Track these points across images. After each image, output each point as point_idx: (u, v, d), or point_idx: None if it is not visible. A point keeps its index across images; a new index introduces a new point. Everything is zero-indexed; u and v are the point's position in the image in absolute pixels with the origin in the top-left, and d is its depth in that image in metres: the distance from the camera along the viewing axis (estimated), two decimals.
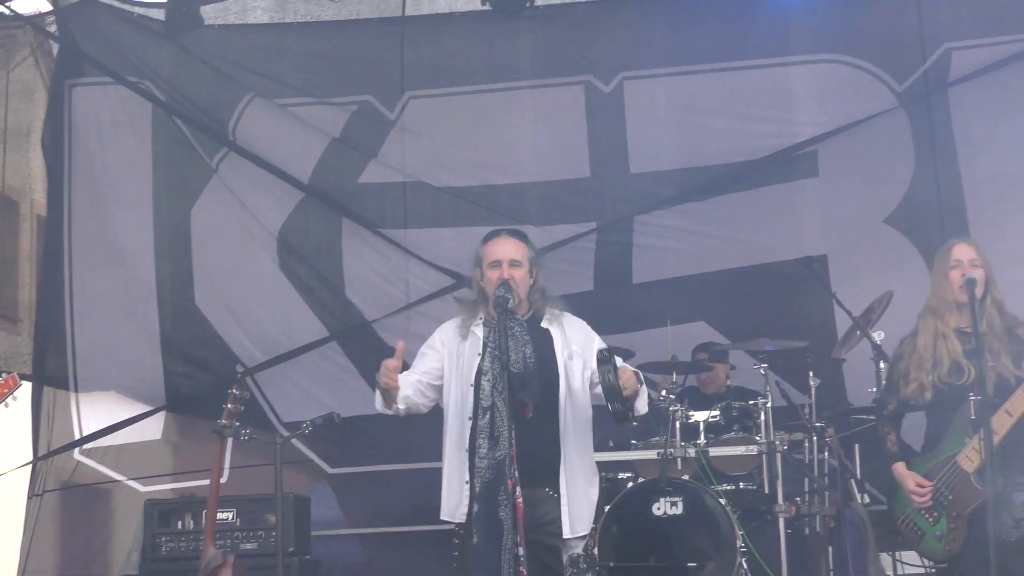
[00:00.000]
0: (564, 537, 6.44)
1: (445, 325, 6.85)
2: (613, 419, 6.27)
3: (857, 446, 9.22)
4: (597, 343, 6.65)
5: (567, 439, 6.50)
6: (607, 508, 8.37)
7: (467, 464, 6.41)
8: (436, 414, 6.84)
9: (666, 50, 10.77)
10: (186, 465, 10.77)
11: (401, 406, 6.56)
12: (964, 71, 10.28)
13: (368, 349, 10.73)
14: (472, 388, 6.47)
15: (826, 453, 9.01)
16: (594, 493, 6.68)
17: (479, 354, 6.48)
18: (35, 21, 11.43)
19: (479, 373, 6.41)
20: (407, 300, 10.70)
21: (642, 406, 6.54)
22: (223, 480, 8.53)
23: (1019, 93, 10.24)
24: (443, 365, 6.68)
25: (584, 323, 6.77)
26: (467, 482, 6.40)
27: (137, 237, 11.08)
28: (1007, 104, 10.28)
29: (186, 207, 11.11)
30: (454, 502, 6.51)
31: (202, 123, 11.05)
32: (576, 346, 6.61)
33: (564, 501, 6.45)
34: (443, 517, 6.58)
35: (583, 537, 6.50)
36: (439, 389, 6.70)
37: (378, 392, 6.54)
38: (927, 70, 10.35)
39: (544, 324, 6.63)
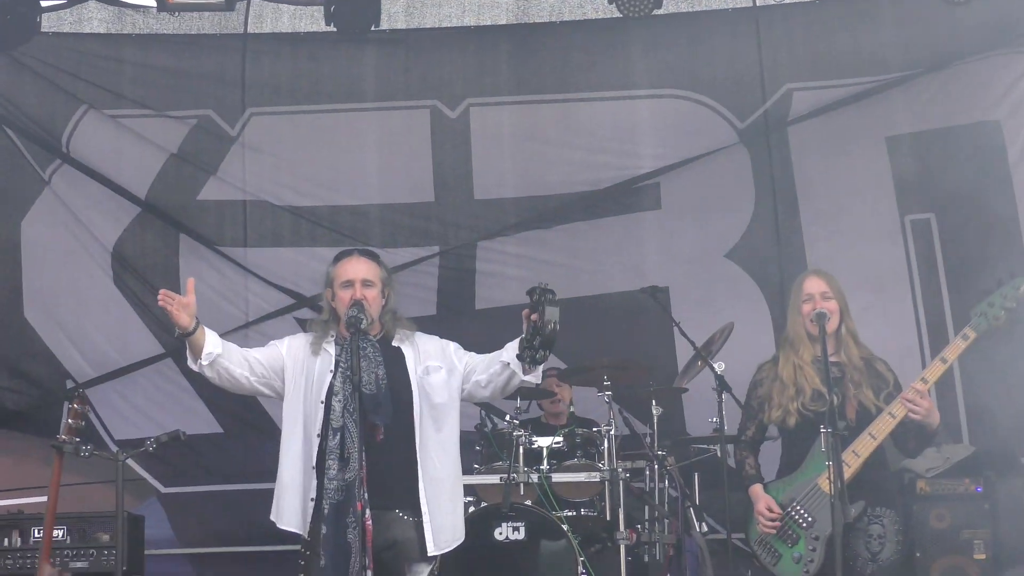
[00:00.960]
0: (429, 554, 6.39)
1: (296, 337, 6.74)
2: (528, 360, 6.17)
3: (697, 475, 9.33)
4: (453, 348, 6.64)
5: (428, 457, 6.44)
6: None
7: (314, 482, 6.34)
8: (276, 436, 6.74)
9: (512, 78, 10.82)
10: (8, 481, 10.41)
11: (205, 362, 6.46)
12: (803, 111, 10.51)
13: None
14: (323, 405, 6.38)
15: (667, 482, 9.11)
16: (460, 508, 6.65)
17: (331, 371, 6.41)
18: None
19: (331, 392, 6.34)
20: (246, 319, 10.58)
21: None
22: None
23: (854, 133, 10.53)
24: (283, 367, 6.57)
25: (435, 337, 6.73)
26: (312, 499, 6.33)
27: None
28: (842, 143, 10.55)
29: (16, 218, 10.83)
30: (301, 518, 6.40)
31: (34, 134, 10.76)
32: (434, 360, 6.56)
33: (427, 520, 6.39)
34: (286, 527, 6.44)
35: (430, 561, 6.45)
36: (268, 380, 6.59)
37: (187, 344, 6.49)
38: (768, 109, 10.56)
39: (396, 343, 6.57)
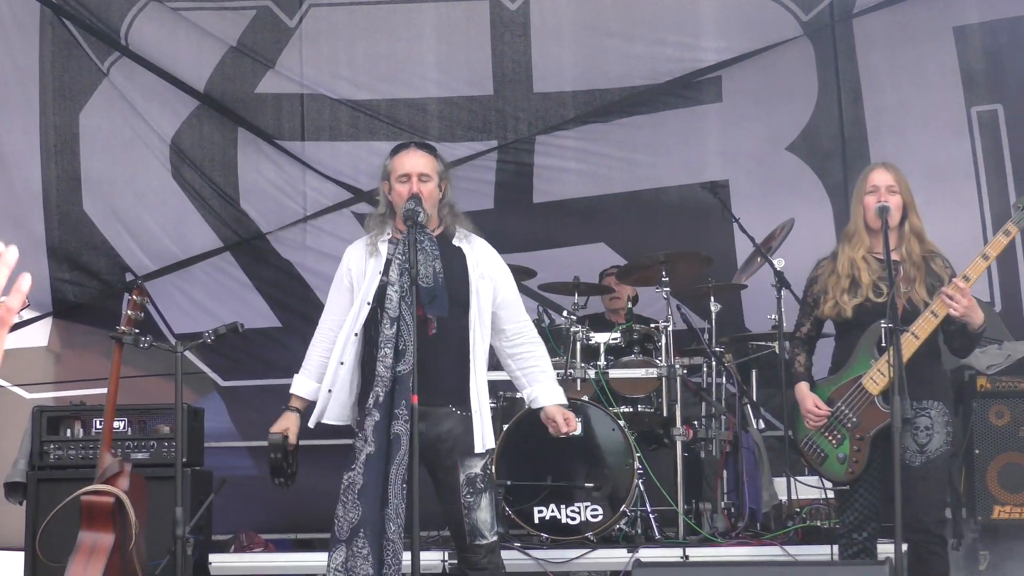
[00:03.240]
0: (476, 451, 6.48)
1: (353, 247, 6.75)
2: None
3: (755, 372, 9.37)
4: (504, 273, 6.74)
5: (476, 357, 6.53)
6: (505, 427, 8.42)
7: (350, 377, 6.50)
8: None
9: None
10: (70, 373, 10.65)
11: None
12: (870, 3, 10.33)
13: (262, 261, 10.74)
14: (368, 306, 6.43)
15: (724, 378, 9.14)
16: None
17: (380, 272, 6.44)
18: None
19: (380, 292, 6.38)
20: (303, 213, 10.60)
21: None
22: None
23: (920, 24, 10.36)
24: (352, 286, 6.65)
25: (490, 247, 6.77)
26: (329, 391, 6.55)
27: (23, 140, 10.78)
28: (909, 37, 10.39)
29: (75, 111, 10.82)
30: (340, 411, 6.58)
31: (92, 26, 10.73)
32: (485, 267, 6.62)
33: (477, 419, 6.49)
34: (327, 420, 6.61)
35: (482, 455, 6.52)
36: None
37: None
38: (834, 1, 10.39)
39: (456, 243, 6.59)
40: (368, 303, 6.44)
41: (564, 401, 6.78)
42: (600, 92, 10.48)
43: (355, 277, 6.60)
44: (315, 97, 10.76)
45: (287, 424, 6.72)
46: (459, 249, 6.58)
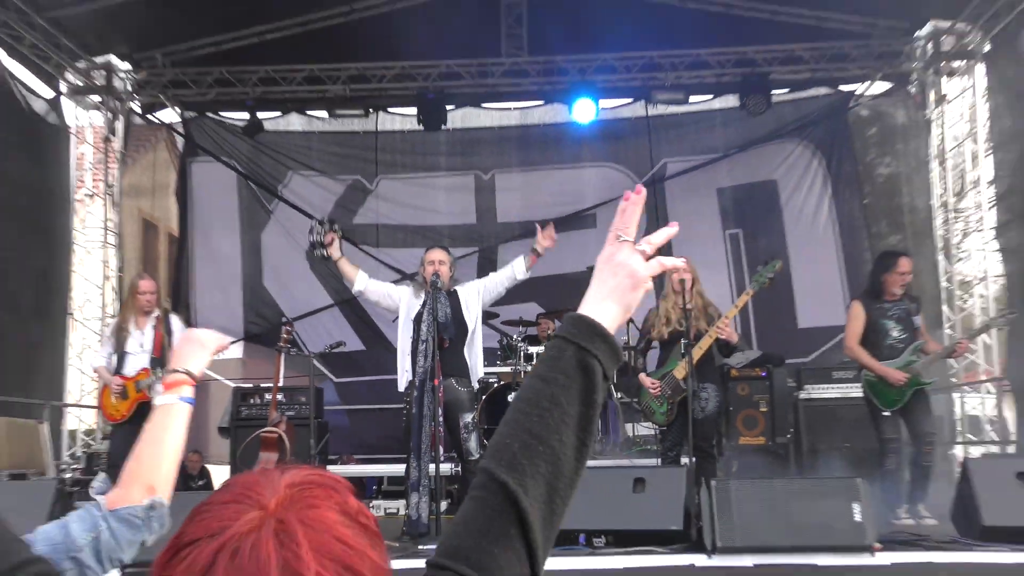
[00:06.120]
0: (469, 409, 6.41)
1: (406, 288, 6.63)
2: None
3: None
4: (481, 282, 6.63)
5: (473, 344, 6.54)
6: (484, 397, 8.37)
7: (405, 364, 6.37)
8: (393, 350, 6.78)
9: (518, 158, 10.85)
10: (252, 372, 10.67)
11: (358, 287, 6.43)
12: (674, 171, 10.56)
13: (355, 313, 10.72)
14: (412, 323, 6.37)
15: None
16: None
17: (419, 305, 6.38)
18: (171, 126, 11.18)
19: (419, 316, 6.32)
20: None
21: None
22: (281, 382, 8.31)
23: (699, 186, 10.51)
24: (399, 299, 6.53)
25: (471, 283, 6.70)
26: (407, 370, 6.32)
27: (229, 248, 10.88)
28: (692, 191, 10.50)
29: (257, 233, 10.90)
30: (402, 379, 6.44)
31: (265, 184, 10.88)
32: (469, 295, 6.54)
33: (472, 379, 6.48)
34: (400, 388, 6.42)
35: (472, 411, 6.40)
36: (391, 306, 6.56)
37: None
38: (654, 172, 10.59)
39: (454, 289, 6.54)
40: (411, 320, 6.38)
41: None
42: (532, 220, 10.31)
43: (403, 300, 6.51)
44: (386, 226, 10.82)
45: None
46: (455, 293, 6.52)
